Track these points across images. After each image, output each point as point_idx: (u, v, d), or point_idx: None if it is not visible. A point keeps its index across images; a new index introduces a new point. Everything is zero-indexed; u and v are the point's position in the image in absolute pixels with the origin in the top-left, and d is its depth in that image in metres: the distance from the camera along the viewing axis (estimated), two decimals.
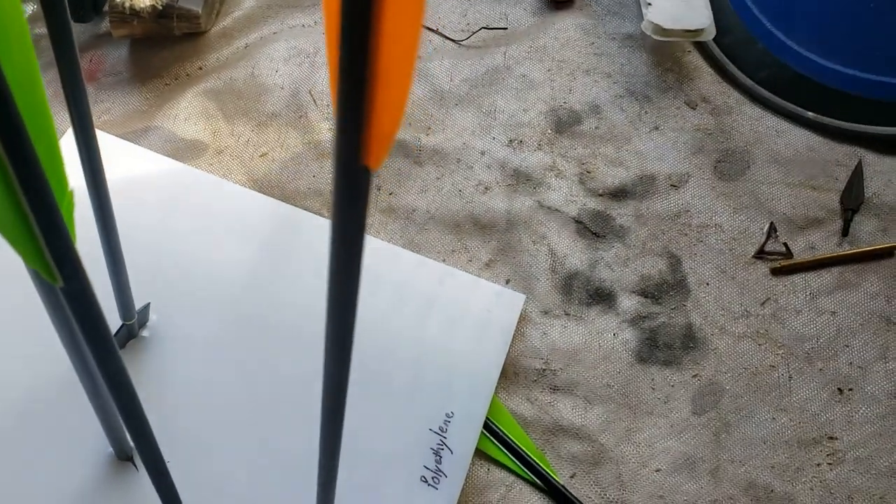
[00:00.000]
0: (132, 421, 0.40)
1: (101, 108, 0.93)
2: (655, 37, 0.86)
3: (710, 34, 0.85)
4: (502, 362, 0.73)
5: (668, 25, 0.85)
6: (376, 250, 0.79)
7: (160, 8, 0.86)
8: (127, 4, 0.83)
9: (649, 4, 0.87)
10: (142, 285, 0.69)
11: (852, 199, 0.79)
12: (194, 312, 0.73)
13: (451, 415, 0.69)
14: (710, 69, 0.89)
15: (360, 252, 0.28)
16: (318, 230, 0.79)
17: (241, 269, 0.75)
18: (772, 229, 0.78)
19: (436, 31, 0.95)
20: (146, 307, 0.70)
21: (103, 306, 0.65)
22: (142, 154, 0.83)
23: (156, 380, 0.69)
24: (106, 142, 0.83)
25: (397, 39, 0.19)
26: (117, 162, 0.81)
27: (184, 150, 0.87)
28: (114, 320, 0.68)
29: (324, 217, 0.82)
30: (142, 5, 0.83)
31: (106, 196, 0.57)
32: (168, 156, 0.86)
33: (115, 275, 0.63)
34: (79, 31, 0.97)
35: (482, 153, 0.87)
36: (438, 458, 0.67)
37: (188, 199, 0.79)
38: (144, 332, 0.70)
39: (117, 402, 0.38)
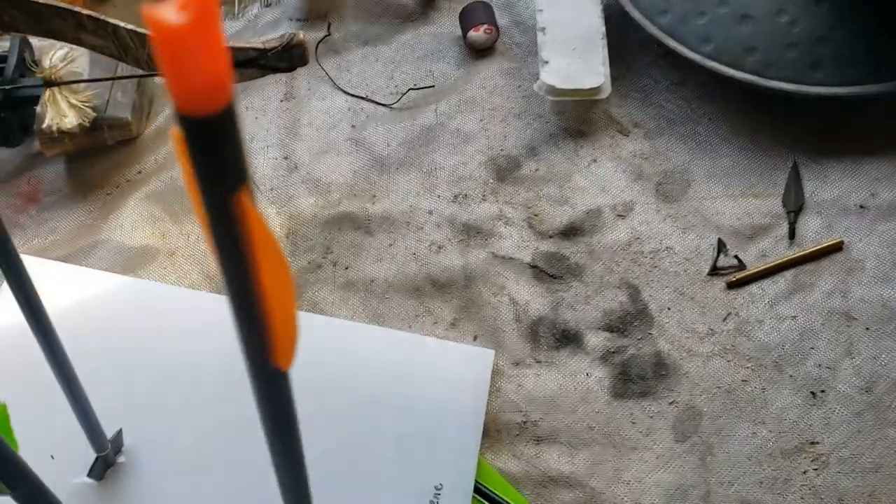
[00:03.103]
0: None
1: (47, 228, 0.92)
2: (550, 97, 0.88)
3: (606, 92, 0.87)
4: (482, 423, 0.73)
5: (561, 85, 0.86)
6: (340, 330, 0.79)
7: (87, 125, 0.86)
8: (55, 128, 0.83)
9: (546, 63, 0.88)
10: (111, 412, 0.68)
11: (793, 202, 0.81)
12: (170, 428, 0.72)
13: (440, 487, 0.69)
14: (636, 93, 0.91)
15: (298, 444, 0.28)
16: None
17: (209, 374, 0.75)
18: (720, 245, 0.79)
19: (366, 99, 0.96)
20: (119, 433, 0.69)
21: (74, 442, 0.65)
22: (88, 275, 0.82)
23: None
24: (48, 270, 0.82)
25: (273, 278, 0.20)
26: (63, 288, 0.80)
27: (135, 259, 0.87)
28: (88, 454, 0.67)
29: None
30: (69, 126, 0.83)
31: (52, 333, 0.56)
32: (120, 267, 0.86)
33: (79, 409, 0.62)
34: (12, 154, 0.96)
35: (430, 212, 0.87)
36: None
37: (142, 313, 0.79)
38: (121, 459, 0.70)
39: None
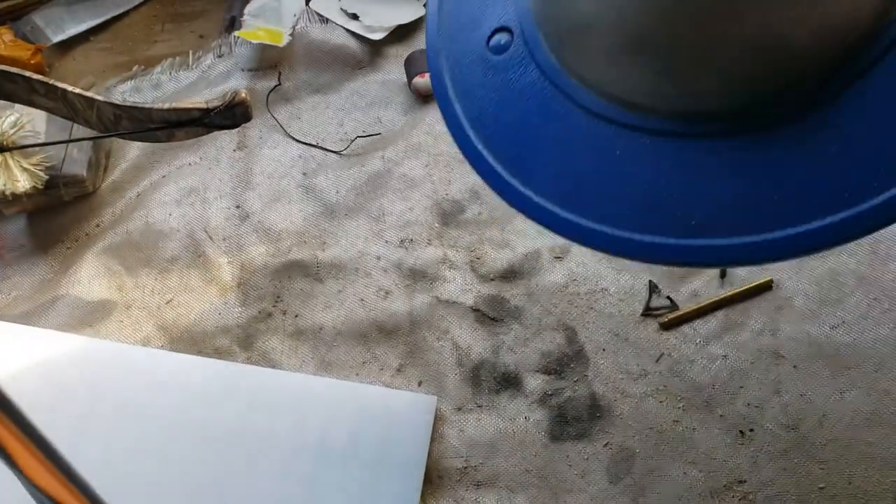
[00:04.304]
0: None
1: (10, 284, 0.95)
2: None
3: None
4: (423, 470, 0.75)
5: None
6: (288, 384, 0.81)
7: (41, 187, 0.89)
8: (8, 192, 0.86)
9: None
10: None
11: None
12: (123, 485, 0.75)
13: None
14: None
15: None
16: (231, 377, 0.81)
17: (159, 431, 0.77)
18: (652, 286, 0.81)
19: (317, 146, 0.98)
20: None
21: None
22: (37, 336, 0.84)
23: None
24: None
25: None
26: (13, 350, 0.82)
27: (93, 313, 0.90)
28: None
29: (233, 360, 0.84)
30: (21, 190, 0.86)
31: None
32: (78, 322, 0.89)
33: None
34: None
35: (378, 258, 0.90)
36: None
37: (92, 376, 0.81)
38: None
39: None
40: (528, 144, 0.50)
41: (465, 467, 0.76)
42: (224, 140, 1.01)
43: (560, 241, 0.87)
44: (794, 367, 0.76)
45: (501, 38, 0.53)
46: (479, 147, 0.52)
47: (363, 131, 0.98)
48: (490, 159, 0.52)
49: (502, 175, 0.51)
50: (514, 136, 0.51)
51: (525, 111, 0.51)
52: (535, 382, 0.79)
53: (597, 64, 0.47)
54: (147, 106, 0.84)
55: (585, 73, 0.47)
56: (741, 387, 0.76)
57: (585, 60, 0.47)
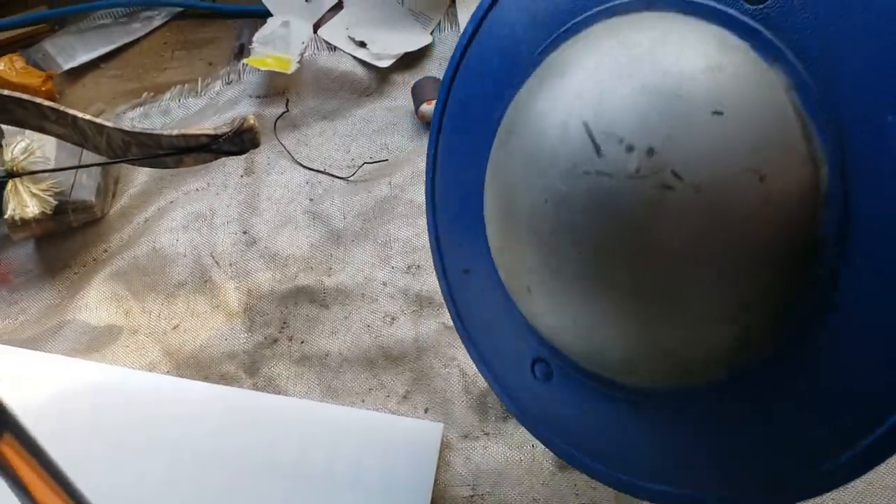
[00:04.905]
0: None
1: (17, 308, 0.95)
2: None
3: None
4: (429, 498, 0.74)
5: None
6: (294, 410, 0.81)
7: (50, 212, 0.89)
8: (17, 217, 0.86)
9: None
10: None
11: None
12: None
13: None
14: None
15: None
16: (236, 403, 0.81)
17: (164, 459, 0.77)
18: None
19: (324, 172, 0.99)
20: None
21: None
22: (43, 361, 0.84)
23: None
24: (6, 355, 0.85)
25: None
26: (17, 376, 0.82)
27: (99, 338, 0.89)
28: None
29: (238, 386, 0.84)
30: (30, 215, 0.86)
31: None
32: (85, 347, 0.89)
33: None
34: None
35: (384, 284, 0.89)
36: None
37: (98, 401, 0.81)
38: None
39: None
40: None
41: (472, 496, 0.75)
42: (232, 166, 1.01)
43: None
44: None
45: (541, 367, 0.58)
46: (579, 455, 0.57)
47: (370, 157, 0.99)
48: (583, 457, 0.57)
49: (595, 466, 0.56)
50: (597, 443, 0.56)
51: (585, 418, 0.55)
52: None
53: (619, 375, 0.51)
54: (156, 132, 0.85)
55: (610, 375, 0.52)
56: None
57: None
